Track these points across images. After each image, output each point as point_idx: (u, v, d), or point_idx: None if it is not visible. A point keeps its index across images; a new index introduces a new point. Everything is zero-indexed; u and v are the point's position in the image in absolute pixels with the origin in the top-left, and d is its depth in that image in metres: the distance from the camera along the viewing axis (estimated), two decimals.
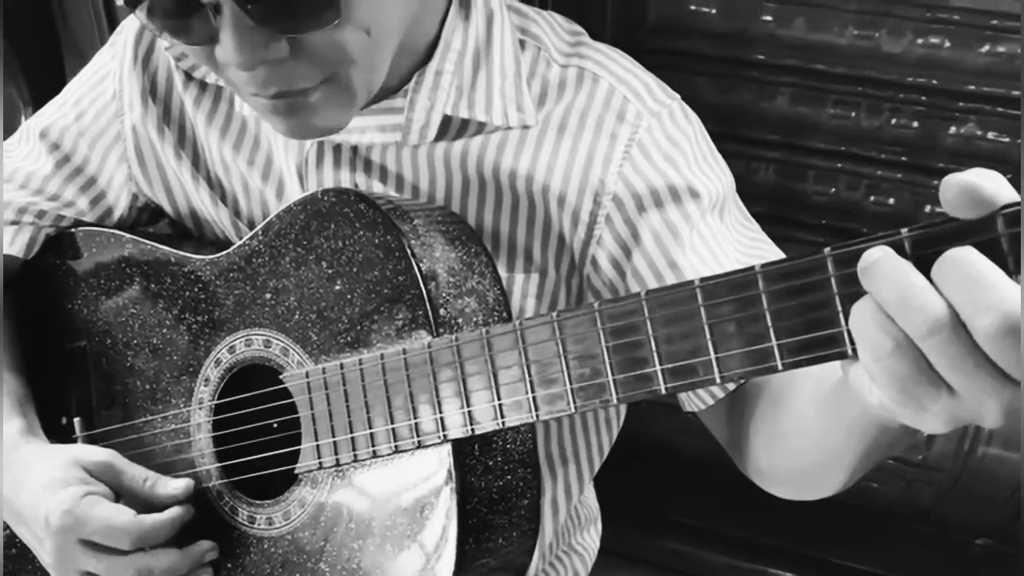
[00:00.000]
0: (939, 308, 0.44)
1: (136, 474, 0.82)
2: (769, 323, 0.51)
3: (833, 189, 1.17)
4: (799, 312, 0.50)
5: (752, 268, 0.52)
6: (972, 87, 1.05)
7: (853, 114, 1.11)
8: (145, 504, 0.81)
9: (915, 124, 1.10)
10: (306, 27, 0.66)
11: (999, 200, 0.44)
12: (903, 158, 1.13)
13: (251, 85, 0.70)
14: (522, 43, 0.85)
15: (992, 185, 0.45)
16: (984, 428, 1.22)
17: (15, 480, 0.83)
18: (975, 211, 0.45)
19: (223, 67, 0.69)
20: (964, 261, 0.44)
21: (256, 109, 0.74)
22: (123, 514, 0.77)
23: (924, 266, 0.46)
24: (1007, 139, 1.06)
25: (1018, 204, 0.44)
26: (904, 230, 0.47)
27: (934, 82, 1.06)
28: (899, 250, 0.46)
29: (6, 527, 0.92)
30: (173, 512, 0.79)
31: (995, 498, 1.27)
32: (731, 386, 0.79)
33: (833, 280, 0.48)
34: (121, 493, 0.82)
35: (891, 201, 1.15)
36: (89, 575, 0.79)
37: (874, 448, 0.61)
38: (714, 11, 1.09)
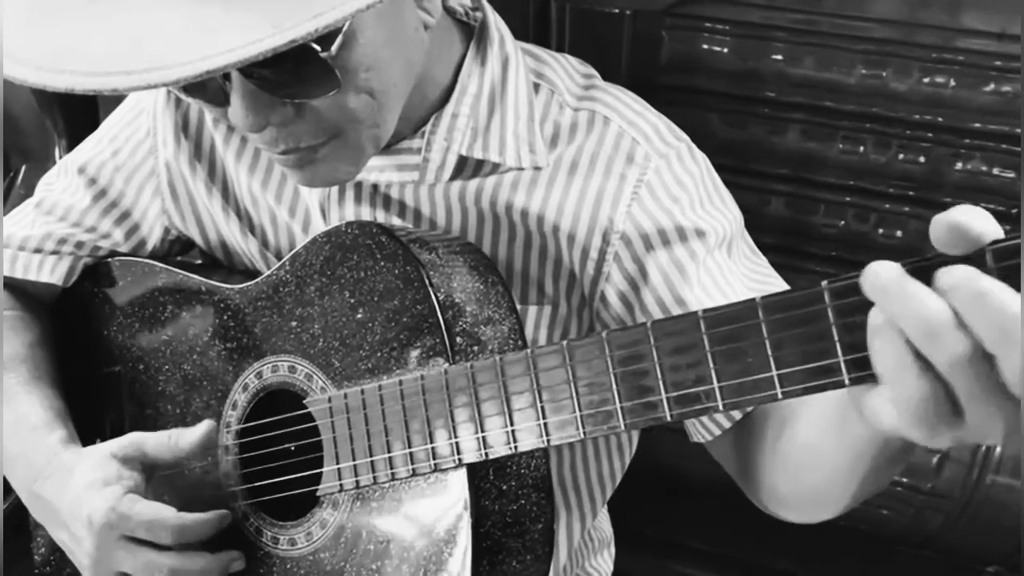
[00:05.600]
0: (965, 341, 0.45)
1: (158, 437, 0.83)
2: (769, 353, 0.53)
3: (842, 222, 1.19)
4: (798, 342, 0.52)
5: (752, 300, 0.53)
6: (977, 124, 1.06)
7: (861, 149, 1.13)
8: (175, 460, 0.83)
9: (922, 160, 1.11)
10: (307, 95, 0.70)
11: (986, 236, 0.46)
12: (910, 192, 1.14)
13: (260, 143, 0.74)
14: (536, 86, 0.88)
15: (979, 222, 0.46)
16: (993, 456, 1.23)
17: (57, 485, 0.85)
18: (964, 247, 0.47)
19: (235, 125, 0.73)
20: (990, 293, 0.44)
21: (271, 158, 0.78)
22: (165, 510, 0.79)
23: None
24: (1011, 174, 1.08)
25: (1004, 240, 0.46)
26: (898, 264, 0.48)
27: (940, 119, 1.07)
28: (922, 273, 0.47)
29: (42, 537, 0.95)
30: (213, 513, 0.81)
31: (1004, 525, 1.27)
32: (737, 415, 0.81)
33: (830, 311, 0.50)
34: (152, 464, 0.83)
35: (899, 233, 1.16)
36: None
37: (876, 466, 0.62)
38: (726, 50, 1.11)
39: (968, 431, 0.48)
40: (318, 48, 0.66)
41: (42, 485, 0.87)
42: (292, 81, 0.68)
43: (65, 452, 0.88)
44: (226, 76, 0.68)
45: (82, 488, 0.81)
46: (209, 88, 0.71)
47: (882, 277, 0.47)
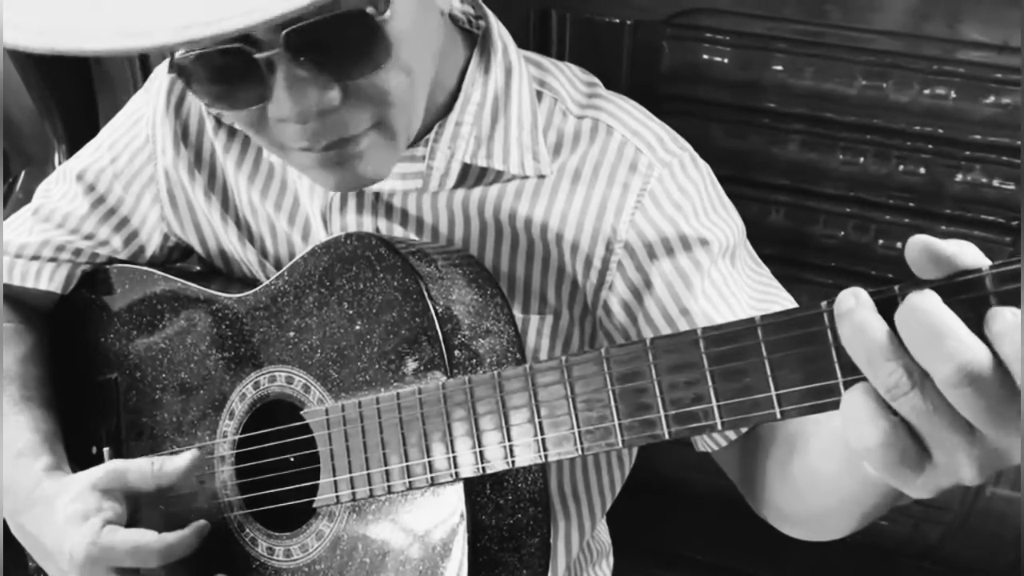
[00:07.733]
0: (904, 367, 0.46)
1: (141, 465, 0.83)
2: (768, 372, 0.53)
3: (842, 233, 1.18)
4: (797, 362, 0.52)
5: (752, 319, 0.53)
6: (978, 136, 1.06)
7: (862, 160, 1.13)
8: (158, 489, 0.82)
9: (922, 171, 1.10)
10: (360, 71, 0.68)
11: (960, 258, 0.46)
12: (911, 204, 1.13)
13: (302, 139, 0.71)
14: (539, 94, 0.88)
15: (953, 247, 0.46)
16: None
17: (39, 517, 0.85)
18: (934, 269, 0.47)
19: (274, 124, 0.71)
20: (923, 311, 0.45)
21: (303, 167, 0.77)
22: (146, 535, 0.79)
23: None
24: (1011, 186, 1.07)
25: (1004, 264, 0.46)
26: (897, 287, 0.48)
27: (940, 131, 1.07)
28: (892, 304, 0.47)
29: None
30: (194, 526, 0.81)
31: (1004, 538, 1.27)
32: (743, 428, 0.81)
33: (830, 332, 0.50)
34: (134, 490, 0.83)
35: (899, 245, 1.16)
36: None
37: (889, 498, 0.61)
38: (727, 60, 1.10)
39: (939, 472, 0.48)
40: (373, 11, 0.65)
41: (26, 516, 0.87)
42: (344, 56, 0.67)
43: (47, 481, 0.87)
44: (271, 68, 0.67)
45: (63, 522, 0.81)
46: (247, 87, 0.68)
47: (842, 305, 0.48)
